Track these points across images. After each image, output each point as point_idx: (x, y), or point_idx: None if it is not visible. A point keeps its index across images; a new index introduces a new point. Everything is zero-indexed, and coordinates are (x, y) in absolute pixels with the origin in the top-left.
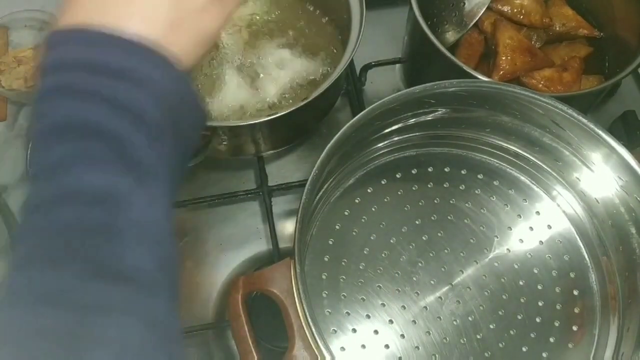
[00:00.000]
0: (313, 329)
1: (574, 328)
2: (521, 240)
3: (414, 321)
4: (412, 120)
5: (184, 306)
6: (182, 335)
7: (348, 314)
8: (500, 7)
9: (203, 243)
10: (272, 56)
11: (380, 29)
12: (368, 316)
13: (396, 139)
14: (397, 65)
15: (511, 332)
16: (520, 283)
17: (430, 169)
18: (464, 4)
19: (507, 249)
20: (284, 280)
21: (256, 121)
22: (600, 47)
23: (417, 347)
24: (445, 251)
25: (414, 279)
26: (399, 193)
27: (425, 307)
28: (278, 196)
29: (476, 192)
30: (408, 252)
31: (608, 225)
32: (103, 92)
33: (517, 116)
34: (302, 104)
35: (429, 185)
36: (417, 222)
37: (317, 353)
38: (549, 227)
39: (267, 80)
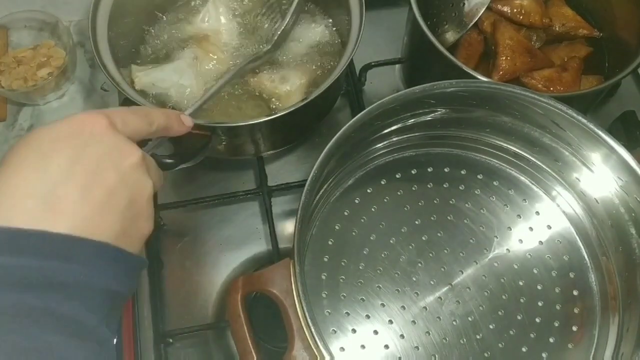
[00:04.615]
0: (313, 330)
1: (574, 328)
2: (521, 241)
3: (413, 321)
4: (411, 121)
5: (184, 306)
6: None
7: (348, 314)
8: (500, 7)
9: (203, 243)
10: (294, 72)
11: (380, 29)
12: (368, 316)
13: (396, 139)
14: (397, 66)
15: (511, 332)
16: (520, 283)
17: (429, 169)
18: (464, 4)
19: (507, 249)
20: (283, 280)
21: (256, 121)
22: (600, 47)
23: (417, 348)
24: (445, 251)
25: (414, 279)
26: (399, 193)
27: (425, 308)
28: (278, 196)
29: (476, 192)
30: (408, 253)
31: (608, 226)
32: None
33: (517, 116)
34: (302, 104)
35: (429, 186)
36: (416, 223)
37: (316, 353)
38: (549, 227)
39: (265, 76)
